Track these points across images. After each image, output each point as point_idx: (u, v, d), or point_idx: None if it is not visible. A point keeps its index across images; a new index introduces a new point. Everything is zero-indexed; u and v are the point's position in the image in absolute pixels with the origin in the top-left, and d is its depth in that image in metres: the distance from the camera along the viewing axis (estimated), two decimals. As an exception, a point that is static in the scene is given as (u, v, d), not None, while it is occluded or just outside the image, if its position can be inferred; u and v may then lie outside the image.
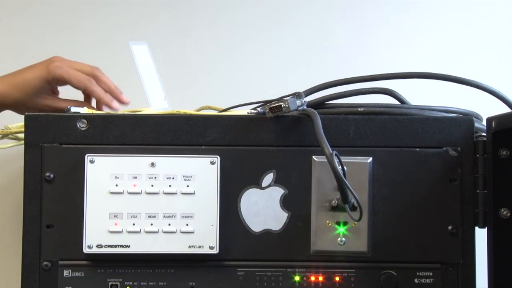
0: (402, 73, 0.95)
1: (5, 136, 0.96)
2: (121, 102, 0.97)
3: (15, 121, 0.94)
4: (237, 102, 0.99)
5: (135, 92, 0.98)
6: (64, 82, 0.93)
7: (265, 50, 1.22)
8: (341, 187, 0.77)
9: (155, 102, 0.97)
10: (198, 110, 1.03)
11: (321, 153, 0.77)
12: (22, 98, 0.91)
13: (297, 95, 0.84)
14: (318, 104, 0.92)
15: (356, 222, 0.82)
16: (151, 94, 0.97)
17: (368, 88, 0.94)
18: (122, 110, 0.97)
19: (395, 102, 0.94)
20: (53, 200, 0.83)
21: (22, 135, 0.97)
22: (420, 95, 1.03)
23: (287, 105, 0.82)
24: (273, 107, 0.83)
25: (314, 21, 1.24)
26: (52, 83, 0.93)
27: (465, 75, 0.93)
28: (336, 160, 0.75)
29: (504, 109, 0.92)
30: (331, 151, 0.76)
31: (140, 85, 0.95)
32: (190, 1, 1.24)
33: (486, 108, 0.89)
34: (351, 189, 0.77)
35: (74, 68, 0.92)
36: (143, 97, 0.94)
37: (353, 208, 0.80)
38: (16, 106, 0.93)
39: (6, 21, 1.21)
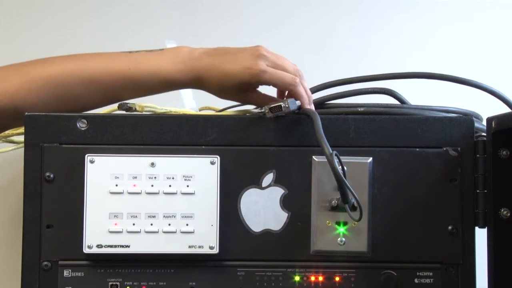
0: (402, 73, 0.95)
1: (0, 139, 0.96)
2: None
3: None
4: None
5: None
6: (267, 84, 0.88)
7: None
8: (341, 187, 0.77)
9: (187, 101, 0.97)
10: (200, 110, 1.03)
11: (321, 153, 0.77)
12: (218, 88, 0.87)
13: None
14: (318, 104, 0.92)
15: (356, 222, 0.82)
16: (184, 94, 0.97)
17: (368, 88, 0.94)
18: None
19: (395, 102, 0.94)
20: (53, 200, 0.83)
21: (17, 138, 0.97)
22: (420, 95, 1.02)
23: (287, 105, 0.82)
24: (273, 107, 0.83)
25: (315, 21, 1.24)
26: (254, 84, 0.87)
27: (466, 75, 0.93)
28: (336, 160, 0.75)
29: (504, 109, 0.92)
30: (331, 151, 0.76)
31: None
32: (191, 1, 1.24)
33: (486, 108, 0.89)
34: (351, 189, 0.77)
35: (279, 68, 0.86)
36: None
37: (353, 208, 0.80)
38: (211, 91, 0.88)
39: (8, 19, 1.21)
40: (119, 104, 0.87)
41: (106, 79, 0.84)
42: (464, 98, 0.99)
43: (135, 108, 0.87)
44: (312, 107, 0.88)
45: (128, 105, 0.86)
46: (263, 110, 0.84)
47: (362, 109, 0.88)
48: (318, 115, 0.80)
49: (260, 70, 0.84)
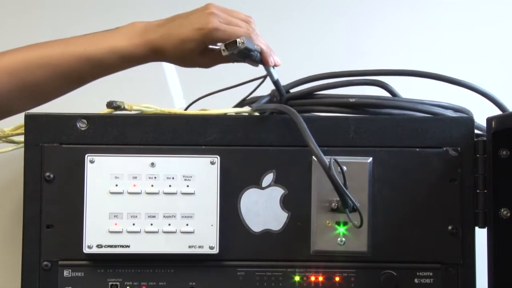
0: (393, 70, 0.92)
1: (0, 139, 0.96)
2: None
3: (10, 124, 0.94)
4: (232, 101, 0.99)
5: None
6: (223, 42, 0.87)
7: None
8: (342, 197, 0.78)
9: (177, 101, 0.97)
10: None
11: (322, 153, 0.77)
12: (178, 55, 0.86)
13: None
14: (307, 95, 0.90)
15: (356, 222, 0.82)
16: (174, 93, 0.97)
17: (359, 79, 0.92)
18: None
19: (387, 94, 0.92)
20: (53, 200, 0.83)
21: (17, 138, 0.97)
22: (412, 92, 1.01)
23: (242, 41, 0.81)
24: (228, 43, 0.82)
25: (312, 20, 1.24)
26: (209, 44, 0.88)
27: (463, 75, 0.92)
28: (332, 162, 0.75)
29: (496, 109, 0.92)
30: (328, 164, 0.75)
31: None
32: (190, 1, 1.24)
33: (485, 109, 0.89)
34: (353, 199, 0.78)
35: (232, 23, 0.86)
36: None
37: (353, 210, 0.80)
38: (172, 61, 0.89)
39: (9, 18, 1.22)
40: (107, 103, 0.86)
41: (62, 63, 0.84)
42: (464, 100, 0.98)
43: (124, 107, 0.86)
44: (272, 59, 0.87)
45: (117, 103, 0.86)
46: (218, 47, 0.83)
47: (353, 100, 0.87)
48: (300, 117, 0.79)
49: (212, 28, 0.84)
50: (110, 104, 0.85)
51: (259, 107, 0.88)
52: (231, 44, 0.82)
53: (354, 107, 0.88)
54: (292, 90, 0.92)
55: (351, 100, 0.87)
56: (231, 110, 0.88)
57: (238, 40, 0.81)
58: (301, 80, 0.93)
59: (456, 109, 0.90)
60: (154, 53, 0.86)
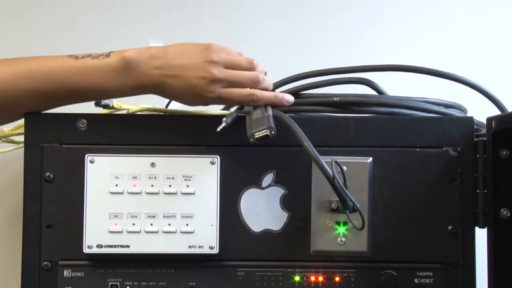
0: (378, 66, 0.92)
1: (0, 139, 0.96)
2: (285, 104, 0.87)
3: (10, 124, 0.93)
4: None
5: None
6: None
7: (255, 47, 1.21)
8: (344, 201, 0.78)
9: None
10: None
11: (321, 153, 0.77)
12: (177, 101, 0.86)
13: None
14: (292, 94, 0.90)
15: (356, 222, 0.82)
16: None
17: (344, 78, 0.91)
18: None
19: (373, 92, 0.91)
20: (53, 200, 0.83)
21: (17, 138, 0.97)
22: (402, 92, 1.01)
23: (273, 132, 0.80)
24: (259, 137, 0.80)
25: (308, 19, 1.24)
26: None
27: (462, 75, 0.92)
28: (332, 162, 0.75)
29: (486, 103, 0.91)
30: (331, 175, 0.75)
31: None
32: (187, 1, 1.24)
33: (481, 109, 0.89)
34: (357, 205, 0.78)
35: (236, 83, 0.82)
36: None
37: (353, 210, 0.80)
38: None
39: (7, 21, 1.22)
40: (95, 102, 0.86)
41: (51, 91, 0.81)
42: (457, 97, 0.97)
43: (112, 105, 0.86)
44: (282, 98, 0.86)
45: (105, 102, 0.85)
46: (249, 137, 0.81)
47: (337, 99, 0.86)
48: (293, 120, 0.79)
49: (213, 98, 0.82)
50: (98, 103, 0.85)
51: (244, 110, 0.87)
52: (262, 137, 0.80)
53: (339, 106, 0.87)
54: (277, 90, 0.91)
55: (335, 99, 0.86)
56: (219, 113, 0.88)
57: (269, 133, 0.80)
58: (286, 80, 0.91)
59: (447, 105, 0.89)
60: (149, 92, 0.83)
